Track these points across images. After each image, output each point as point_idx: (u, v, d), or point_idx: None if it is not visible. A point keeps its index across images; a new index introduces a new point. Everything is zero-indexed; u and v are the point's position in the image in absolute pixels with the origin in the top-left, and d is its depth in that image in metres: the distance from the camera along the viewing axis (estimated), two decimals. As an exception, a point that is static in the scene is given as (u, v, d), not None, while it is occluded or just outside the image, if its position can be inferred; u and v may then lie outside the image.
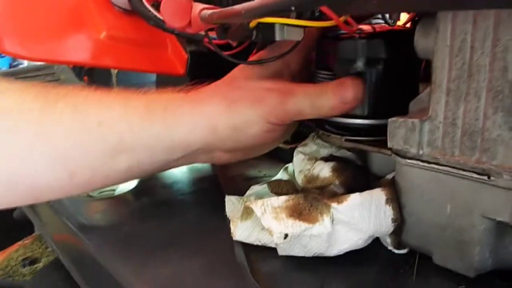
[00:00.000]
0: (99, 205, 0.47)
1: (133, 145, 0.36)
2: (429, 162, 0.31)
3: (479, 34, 0.27)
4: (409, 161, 0.32)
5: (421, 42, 0.30)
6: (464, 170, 0.29)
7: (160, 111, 0.36)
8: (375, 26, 0.38)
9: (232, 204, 0.40)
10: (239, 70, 0.41)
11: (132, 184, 0.50)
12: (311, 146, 0.43)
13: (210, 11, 0.27)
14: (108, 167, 0.36)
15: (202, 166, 0.55)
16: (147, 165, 0.38)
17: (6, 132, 0.33)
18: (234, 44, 0.37)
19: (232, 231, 0.37)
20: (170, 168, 0.42)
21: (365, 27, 0.37)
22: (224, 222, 0.38)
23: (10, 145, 0.33)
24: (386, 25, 0.40)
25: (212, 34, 0.38)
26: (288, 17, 0.31)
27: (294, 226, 0.33)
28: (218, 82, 0.40)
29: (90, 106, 0.36)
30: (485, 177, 0.28)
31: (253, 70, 0.40)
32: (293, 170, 0.42)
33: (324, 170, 0.39)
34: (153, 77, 0.68)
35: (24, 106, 0.34)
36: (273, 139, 0.40)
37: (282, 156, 0.54)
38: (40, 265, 0.59)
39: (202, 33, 0.39)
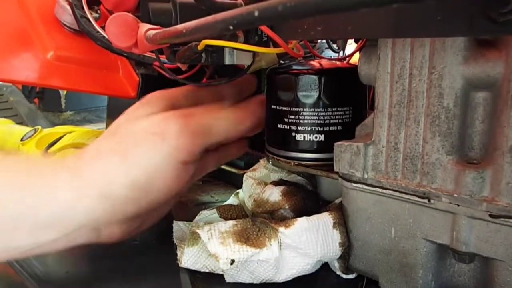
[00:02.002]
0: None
1: None
2: (373, 186, 0.31)
3: (417, 61, 0.28)
4: (354, 185, 0.32)
5: (364, 68, 0.31)
6: (406, 193, 0.30)
7: (19, 182, 0.29)
8: (323, 62, 0.38)
9: (180, 229, 0.39)
10: (123, 116, 0.34)
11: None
12: (261, 170, 0.42)
13: (155, 31, 0.27)
14: None
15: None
16: (2, 252, 0.29)
17: None
18: (184, 68, 0.37)
19: (178, 257, 0.35)
20: (36, 254, 0.32)
21: (315, 63, 0.38)
22: (172, 249, 0.37)
23: None
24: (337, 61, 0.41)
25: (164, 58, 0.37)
26: (236, 41, 0.31)
27: (241, 251, 0.32)
28: (101, 138, 0.33)
29: None
30: (426, 200, 0.29)
31: (138, 111, 0.33)
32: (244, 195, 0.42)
33: (274, 195, 0.38)
34: (105, 99, 0.66)
35: None
36: (181, 188, 0.34)
37: (236, 182, 0.53)
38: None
39: (152, 56, 0.39)
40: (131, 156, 0.30)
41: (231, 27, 0.18)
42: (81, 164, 0.30)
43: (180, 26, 0.21)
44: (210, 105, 0.36)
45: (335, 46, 0.40)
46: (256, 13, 0.16)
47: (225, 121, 0.35)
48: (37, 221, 0.28)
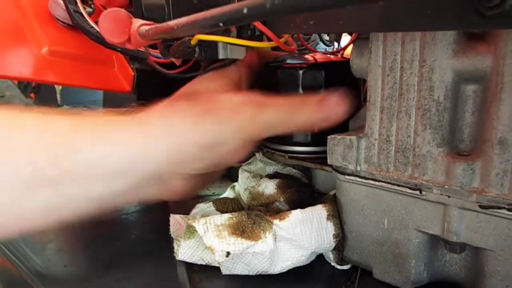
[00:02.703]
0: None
1: (56, 177, 0.30)
2: (366, 178, 0.32)
3: (407, 55, 0.28)
4: (347, 177, 0.33)
5: (356, 62, 0.32)
6: (398, 185, 0.30)
7: (93, 133, 0.31)
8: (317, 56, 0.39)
9: (176, 223, 0.39)
10: (199, 83, 0.37)
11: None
12: (257, 164, 0.43)
13: (147, 27, 0.27)
14: (22, 205, 0.29)
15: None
16: (77, 202, 0.31)
17: None
18: (178, 62, 0.37)
19: (175, 250, 0.36)
20: (110, 206, 0.33)
21: (309, 57, 0.38)
22: (168, 242, 0.37)
23: None
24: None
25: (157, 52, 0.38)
26: (229, 36, 0.32)
27: (236, 244, 0.32)
28: (173, 98, 0.35)
29: (4, 131, 0.30)
30: (417, 192, 0.29)
31: (215, 83, 0.36)
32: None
33: (269, 187, 0.39)
34: (100, 94, 0.67)
35: None
36: (236, 159, 0.36)
37: (233, 175, 0.53)
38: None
39: (145, 50, 0.39)
40: (206, 121, 0.32)
41: (221, 24, 0.18)
42: (154, 119, 0.33)
43: (171, 23, 0.22)
44: (290, 100, 0.35)
45: (327, 38, 0.40)
46: (245, 10, 0.16)
47: (291, 124, 0.34)
48: (110, 169, 0.31)
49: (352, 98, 0.33)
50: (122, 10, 0.30)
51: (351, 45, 0.33)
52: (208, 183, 0.40)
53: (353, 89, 0.37)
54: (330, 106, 0.33)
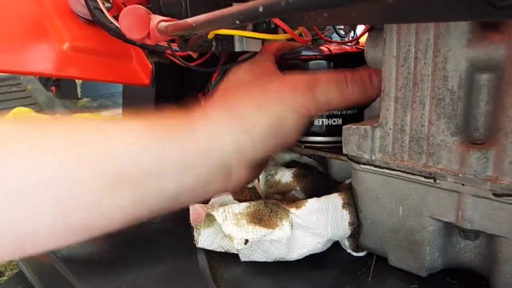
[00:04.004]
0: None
1: (134, 174, 0.30)
2: (381, 167, 0.32)
3: (421, 45, 0.28)
4: (363, 166, 0.33)
5: (370, 53, 0.32)
6: (412, 174, 0.31)
7: (168, 132, 0.32)
8: (332, 47, 0.39)
9: (196, 212, 0.40)
10: (241, 73, 0.37)
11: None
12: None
13: (166, 23, 0.28)
14: (107, 204, 0.30)
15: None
16: (153, 198, 0.32)
17: None
18: (195, 55, 0.38)
19: (195, 238, 0.37)
20: (181, 202, 0.34)
21: (324, 48, 0.39)
22: (189, 230, 0.39)
23: None
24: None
25: (175, 46, 0.38)
26: (245, 29, 0.32)
27: (254, 232, 0.33)
28: (221, 91, 0.37)
29: (85, 135, 0.31)
30: (432, 180, 0.30)
31: (256, 71, 0.37)
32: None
33: (286, 176, 0.40)
34: (119, 87, 0.68)
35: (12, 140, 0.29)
36: (297, 137, 0.37)
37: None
38: (4, 278, 0.58)
39: (165, 44, 0.40)
40: (268, 103, 0.34)
41: (237, 22, 0.19)
42: (215, 111, 0.34)
43: (190, 20, 0.22)
44: (337, 74, 0.36)
45: (341, 31, 0.40)
46: (261, 9, 0.17)
47: (345, 96, 0.35)
48: (182, 164, 0.32)
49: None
50: (141, 6, 0.31)
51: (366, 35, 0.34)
52: (262, 170, 0.41)
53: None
54: (376, 81, 0.34)
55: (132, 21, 0.30)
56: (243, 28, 0.32)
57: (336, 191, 0.36)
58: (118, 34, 0.40)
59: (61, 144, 0.29)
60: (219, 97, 0.36)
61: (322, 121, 0.38)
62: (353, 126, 0.33)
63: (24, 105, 0.78)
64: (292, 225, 0.34)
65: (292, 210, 0.34)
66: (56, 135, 0.30)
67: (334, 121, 0.38)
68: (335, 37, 0.49)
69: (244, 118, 0.33)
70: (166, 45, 0.39)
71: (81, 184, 0.29)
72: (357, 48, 0.38)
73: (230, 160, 0.33)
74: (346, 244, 0.36)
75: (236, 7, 0.18)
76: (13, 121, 0.32)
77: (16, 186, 0.27)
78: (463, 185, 0.28)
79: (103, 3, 0.44)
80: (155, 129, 0.32)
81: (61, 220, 0.29)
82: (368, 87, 0.35)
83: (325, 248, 0.36)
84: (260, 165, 0.39)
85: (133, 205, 0.31)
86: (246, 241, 0.33)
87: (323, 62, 0.36)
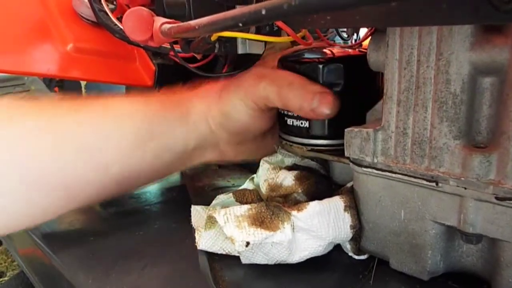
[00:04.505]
0: (65, 215, 0.47)
1: (155, 132, 0.39)
2: (383, 170, 0.32)
3: (424, 48, 0.28)
4: (365, 169, 0.33)
5: (373, 56, 0.32)
6: (415, 177, 0.31)
7: (173, 103, 0.40)
8: (335, 50, 0.39)
9: (197, 213, 0.40)
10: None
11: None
12: (277, 156, 0.44)
13: (169, 25, 0.28)
14: (137, 159, 0.38)
15: (171, 176, 0.56)
16: (168, 156, 0.40)
17: (37, 130, 0.35)
18: (199, 57, 0.38)
19: (196, 240, 0.37)
20: (184, 166, 0.44)
21: (327, 51, 0.39)
22: (190, 232, 0.39)
23: (38, 144, 0.35)
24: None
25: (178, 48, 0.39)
26: (248, 31, 0.32)
27: (256, 234, 0.33)
28: (206, 86, 0.43)
29: (117, 103, 0.39)
30: (434, 184, 0.29)
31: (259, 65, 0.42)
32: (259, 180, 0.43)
33: (287, 179, 0.40)
34: (123, 89, 0.68)
35: (55, 109, 0.37)
36: (259, 128, 0.42)
37: (252, 167, 0.54)
38: (5, 278, 0.58)
39: (168, 46, 0.40)
40: (224, 94, 0.40)
41: (240, 24, 0.19)
42: (193, 99, 0.42)
43: (193, 22, 0.22)
44: (290, 77, 0.38)
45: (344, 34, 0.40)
46: (264, 12, 0.17)
47: (283, 100, 0.37)
48: (185, 127, 0.40)
49: (338, 106, 0.36)
50: (145, 8, 0.31)
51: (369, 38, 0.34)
52: (259, 153, 0.45)
53: (370, 83, 0.38)
54: (320, 102, 0.35)
55: (135, 23, 0.30)
56: (246, 30, 0.32)
57: (338, 194, 0.36)
58: (122, 36, 0.40)
59: (97, 110, 0.38)
60: (209, 84, 0.43)
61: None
62: (355, 129, 0.33)
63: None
64: (293, 228, 0.34)
65: (294, 212, 0.34)
66: (90, 104, 0.39)
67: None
68: (338, 40, 0.49)
69: (207, 104, 0.41)
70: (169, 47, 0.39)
71: (116, 140, 0.37)
72: (359, 51, 0.38)
73: (211, 134, 0.41)
74: (347, 247, 0.36)
75: (239, 10, 0.19)
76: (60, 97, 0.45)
77: (56, 141, 0.36)
78: (465, 188, 0.28)
79: (107, 5, 0.44)
80: (166, 100, 0.41)
81: (102, 169, 0.37)
82: (306, 101, 0.35)
83: (326, 251, 0.35)
84: (254, 147, 0.45)
85: (155, 161, 0.39)
86: (248, 243, 0.33)
87: (315, 65, 0.36)
